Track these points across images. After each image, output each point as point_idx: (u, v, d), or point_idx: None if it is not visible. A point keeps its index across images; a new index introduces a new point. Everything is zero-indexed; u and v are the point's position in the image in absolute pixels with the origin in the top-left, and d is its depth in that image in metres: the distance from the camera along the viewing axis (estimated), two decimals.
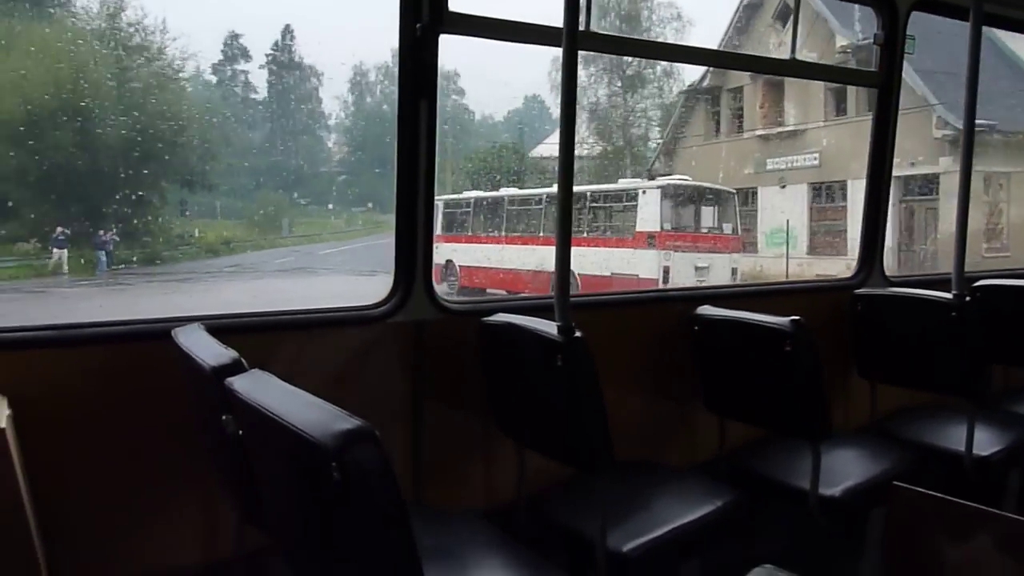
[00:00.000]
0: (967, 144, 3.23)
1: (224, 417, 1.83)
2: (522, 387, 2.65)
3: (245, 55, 19.71)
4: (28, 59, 12.32)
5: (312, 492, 1.53)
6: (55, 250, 12.91)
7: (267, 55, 20.10)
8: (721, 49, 20.24)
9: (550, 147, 18.39)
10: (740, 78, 20.31)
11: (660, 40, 19.46)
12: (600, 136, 22.48)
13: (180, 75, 15.53)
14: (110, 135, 13.24)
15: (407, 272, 2.74)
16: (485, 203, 17.34)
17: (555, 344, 2.35)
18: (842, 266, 14.88)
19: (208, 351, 1.97)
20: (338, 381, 2.62)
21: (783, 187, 19.97)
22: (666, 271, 14.43)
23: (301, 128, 20.69)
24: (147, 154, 13.51)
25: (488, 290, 15.45)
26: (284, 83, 20.49)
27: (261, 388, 1.70)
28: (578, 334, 2.33)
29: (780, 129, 20.34)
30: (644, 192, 15.32)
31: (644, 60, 21.39)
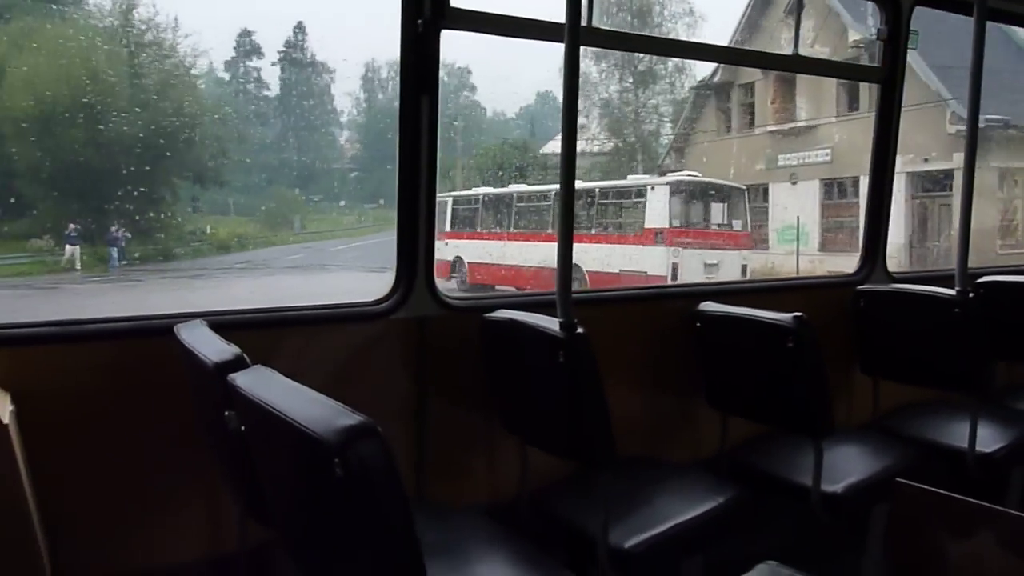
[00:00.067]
0: (971, 139, 3.23)
1: (227, 413, 1.84)
2: (524, 383, 2.65)
3: (257, 52, 19.80)
4: (41, 56, 12.41)
5: (315, 488, 1.53)
6: (68, 246, 13.01)
7: (279, 52, 20.16)
8: (723, 45, 20.14)
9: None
10: (752, 73, 20.20)
11: (670, 36, 19.40)
12: (612, 133, 22.41)
13: (192, 72, 15.62)
14: (122, 132, 13.30)
15: (409, 268, 2.75)
16: (495, 199, 17.32)
17: (557, 340, 2.35)
18: (854, 262, 14.75)
19: (211, 347, 1.98)
20: (340, 377, 2.63)
21: (794, 183, 19.86)
22: (675, 268, 14.36)
23: (313, 124, 20.73)
24: (159, 151, 13.58)
25: (497, 287, 15.43)
26: (296, 80, 20.53)
27: (263, 384, 1.71)
28: (580, 330, 2.33)
29: (792, 125, 20.21)
30: (653, 188, 15.24)
31: (655, 55, 21.32)
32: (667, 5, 22.11)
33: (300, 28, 20.13)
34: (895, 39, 3.63)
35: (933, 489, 1.68)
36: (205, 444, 2.26)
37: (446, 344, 2.81)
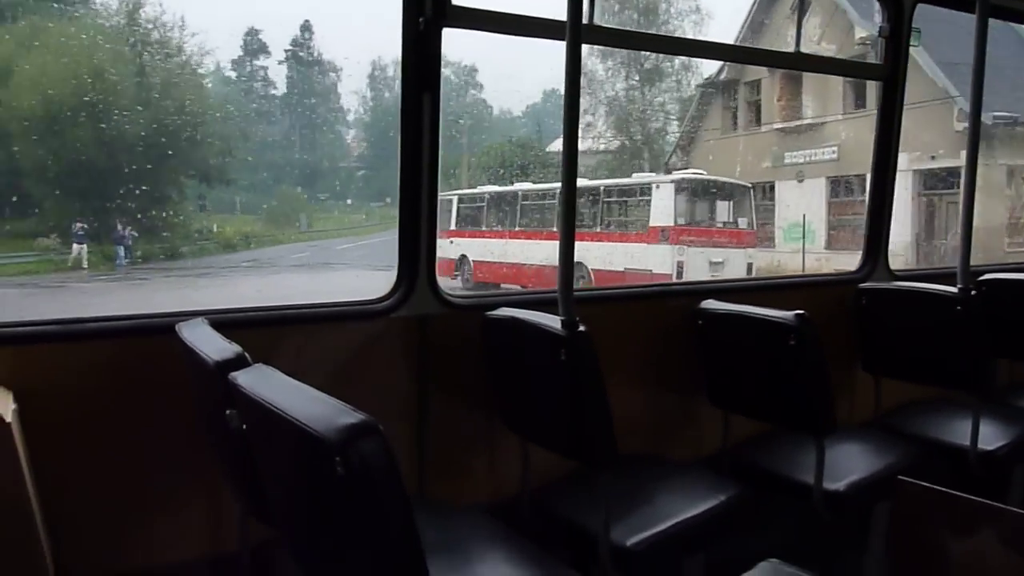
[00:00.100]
0: (973, 137, 3.22)
1: (228, 412, 1.84)
2: (526, 382, 2.65)
3: (264, 51, 19.79)
4: (48, 55, 12.45)
5: (316, 486, 1.54)
6: (75, 245, 13.05)
7: (286, 51, 20.17)
8: (723, 42, 20.05)
9: None
10: (758, 71, 20.11)
11: (675, 34, 19.33)
12: (618, 130, 22.36)
13: (199, 71, 15.65)
14: (129, 131, 13.33)
15: (410, 266, 2.75)
16: (500, 198, 17.30)
17: (559, 338, 2.35)
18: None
19: (212, 346, 1.99)
20: (342, 376, 2.63)
21: (801, 181, 19.79)
22: (680, 266, 14.32)
23: (320, 123, 20.75)
24: (166, 150, 13.61)
25: (501, 285, 15.42)
26: (302, 78, 20.55)
27: (265, 382, 1.71)
28: (582, 328, 2.33)
29: (798, 122, 20.13)
30: (658, 186, 15.18)
31: (657, 53, 21.23)
32: (673, 2, 22.07)
33: (306, 27, 20.17)
34: (897, 36, 3.62)
35: (935, 487, 1.68)
36: (206, 443, 2.26)
37: (447, 342, 2.81)
